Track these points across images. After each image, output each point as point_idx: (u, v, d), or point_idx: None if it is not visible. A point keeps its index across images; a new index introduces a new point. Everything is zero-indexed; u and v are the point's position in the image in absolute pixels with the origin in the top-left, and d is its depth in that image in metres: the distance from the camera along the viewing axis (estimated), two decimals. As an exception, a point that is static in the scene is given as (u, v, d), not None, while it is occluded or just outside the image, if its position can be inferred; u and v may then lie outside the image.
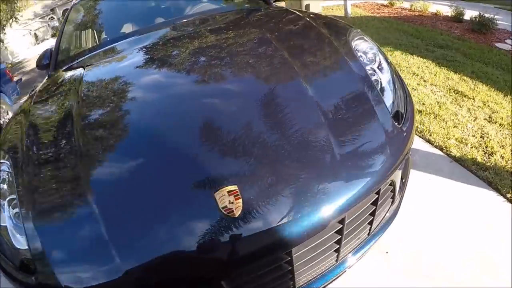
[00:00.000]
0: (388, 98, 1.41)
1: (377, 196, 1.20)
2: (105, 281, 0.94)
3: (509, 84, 3.29)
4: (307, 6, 7.61)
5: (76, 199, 1.10)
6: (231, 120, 1.25)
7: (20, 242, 1.08)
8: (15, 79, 6.74)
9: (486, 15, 5.40)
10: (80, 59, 2.18)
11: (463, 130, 2.45)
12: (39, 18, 21.85)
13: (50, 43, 13.71)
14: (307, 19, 1.95)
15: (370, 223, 1.28)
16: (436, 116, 2.68)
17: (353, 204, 1.07)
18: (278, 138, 1.16)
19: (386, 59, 1.63)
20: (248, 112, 1.28)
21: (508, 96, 2.99)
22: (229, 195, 0.96)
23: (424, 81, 3.46)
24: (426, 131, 2.48)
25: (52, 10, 25.30)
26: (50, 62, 2.37)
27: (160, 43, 1.97)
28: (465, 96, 2.98)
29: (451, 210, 1.77)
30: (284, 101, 1.33)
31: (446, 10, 6.73)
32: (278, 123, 1.23)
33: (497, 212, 1.73)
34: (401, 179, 1.46)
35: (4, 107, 5.20)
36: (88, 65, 1.97)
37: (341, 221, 1.09)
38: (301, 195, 1.02)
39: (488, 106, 2.78)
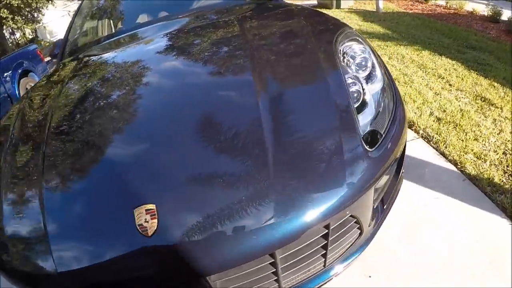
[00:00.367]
0: (367, 115, 1.21)
1: (326, 230, 1.02)
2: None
3: (546, 93, 2.94)
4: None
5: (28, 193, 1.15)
6: (168, 134, 1.20)
7: None
8: (47, 59, 6.90)
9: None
10: (82, 51, 2.25)
11: (484, 144, 2.18)
12: (78, 0, 22.64)
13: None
14: (300, 17, 1.79)
15: (324, 255, 1.11)
16: (457, 126, 2.42)
17: (286, 242, 0.93)
18: (208, 162, 1.07)
19: (381, 65, 1.43)
20: (187, 126, 1.21)
21: (542, 107, 2.66)
22: (146, 214, 0.91)
23: (450, 85, 3.16)
24: (441, 143, 2.23)
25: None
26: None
27: (144, 41, 1.99)
28: (492, 105, 2.68)
29: (451, 236, 1.56)
30: (228, 118, 1.21)
31: (483, 9, 6.21)
32: (214, 144, 1.12)
33: (505, 244, 1.49)
34: (382, 202, 1.30)
35: (34, 87, 5.32)
36: (85, 58, 2.03)
37: (272, 256, 0.97)
38: (222, 225, 0.92)
39: (517, 118, 2.48)
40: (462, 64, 3.62)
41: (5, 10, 12.10)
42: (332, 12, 7.42)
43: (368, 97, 1.27)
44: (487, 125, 2.40)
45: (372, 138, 1.14)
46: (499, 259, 1.42)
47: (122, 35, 2.21)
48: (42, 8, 14.79)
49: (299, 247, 1.00)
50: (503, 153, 2.08)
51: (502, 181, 1.83)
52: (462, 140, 2.23)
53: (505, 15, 5.38)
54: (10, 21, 12.53)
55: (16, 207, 1.14)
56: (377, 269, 1.44)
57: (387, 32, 5.24)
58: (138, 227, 0.90)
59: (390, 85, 1.38)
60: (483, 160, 2.02)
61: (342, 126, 1.12)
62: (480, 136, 2.26)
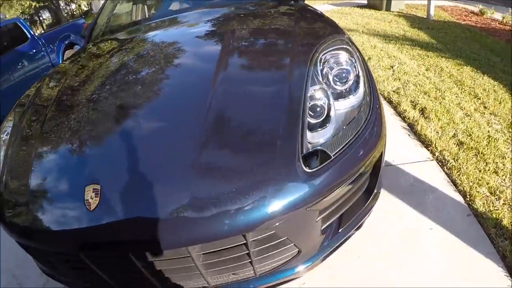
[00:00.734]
0: (324, 132, 1.10)
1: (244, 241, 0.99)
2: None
3: None
4: (389, 1, 6.87)
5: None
6: (130, 121, 1.28)
7: None
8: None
9: None
10: (109, 34, 2.35)
11: (504, 180, 1.93)
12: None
13: None
14: (296, 17, 1.74)
15: (251, 263, 1.08)
16: (478, 153, 2.16)
17: (201, 241, 0.96)
18: (150, 150, 1.13)
19: (367, 80, 1.29)
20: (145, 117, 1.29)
21: None
22: (93, 192, 1.01)
23: (485, 107, 2.85)
24: (456, 169, 2.00)
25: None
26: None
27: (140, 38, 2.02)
28: (526, 137, 2.38)
29: (433, 276, 1.38)
30: (173, 109, 1.27)
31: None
32: (160, 139, 1.16)
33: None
34: (339, 222, 1.20)
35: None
36: (102, 42, 2.17)
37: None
38: (147, 210, 0.98)
39: (551, 155, 2.18)
40: (504, 87, 3.27)
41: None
42: (380, 14, 7.01)
43: (332, 113, 1.14)
44: (513, 158, 2.13)
45: (318, 157, 1.04)
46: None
47: (136, 26, 2.32)
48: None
49: (219, 249, 1.01)
50: (523, 193, 1.83)
51: (511, 225, 1.60)
52: (480, 171, 1.99)
53: None
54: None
55: (15, 164, 1.29)
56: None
57: (432, 42, 4.85)
58: (85, 202, 1.00)
59: (370, 102, 1.23)
60: (496, 197, 1.78)
61: (282, 140, 1.05)
62: (502, 170, 2.01)
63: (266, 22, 1.83)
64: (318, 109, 1.14)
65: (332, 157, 1.04)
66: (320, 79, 1.23)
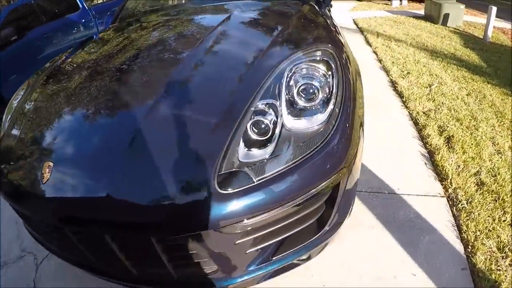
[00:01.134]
0: (258, 154, 0.96)
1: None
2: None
3: None
4: (446, 15, 6.32)
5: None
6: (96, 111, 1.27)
7: None
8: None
9: None
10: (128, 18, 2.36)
11: (519, 235, 1.65)
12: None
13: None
14: (286, 20, 1.59)
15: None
16: (498, 199, 1.87)
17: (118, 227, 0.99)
18: (97, 136, 1.15)
19: (345, 100, 1.10)
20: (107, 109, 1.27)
21: None
22: (47, 168, 1.06)
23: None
24: (465, 213, 1.74)
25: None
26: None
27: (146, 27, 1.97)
28: (561, 190, 2.04)
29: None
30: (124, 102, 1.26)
31: None
32: (106, 132, 1.17)
33: None
34: (275, 250, 1.07)
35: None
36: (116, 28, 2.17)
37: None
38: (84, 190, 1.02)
39: None
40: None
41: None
42: (435, 28, 6.48)
43: (277, 132, 1.00)
44: (539, 212, 1.82)
45: (238, 178, 0.92)
46: None
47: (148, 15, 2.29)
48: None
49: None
50: (538, 256, 1.54)
51: (511, 292, 1.34)
52: (494, 220, 1.71)
53: None
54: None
55: (8, 130, 1.39)
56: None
57: (482, 65, 4.37)
58: (41, 175, 1.06)
59: (334, 126, 1.03)
60: (504, 255, 1.52)
61: (202, 154, 0.97)
62: (520, 223, 1.72)
63: (255, 22, 1.74)
64: (263, 125, 1.00)
65: (255, 182, 0.91)
66: (282, 92, 1.06)
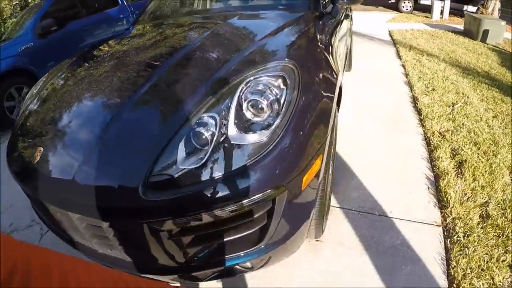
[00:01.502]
0: (190, 162, 0.98)
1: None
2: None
3: None
4: (486, 32, 5.89)
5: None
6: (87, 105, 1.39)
7: None
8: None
9: None
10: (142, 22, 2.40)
11: (517, 279, 1.45)
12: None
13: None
14: (269, 36, 1.55)
15: None
16: (502, 236, 1.66)
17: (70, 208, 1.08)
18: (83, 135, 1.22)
19: (294, 118, 1.06)
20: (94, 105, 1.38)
21: None
22: (38, 152, 1.20)
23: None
24: (458, 247, 1.56)
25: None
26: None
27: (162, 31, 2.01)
28: None
29: None
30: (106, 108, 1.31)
31: None
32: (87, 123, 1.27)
33: None
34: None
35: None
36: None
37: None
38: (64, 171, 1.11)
39: None
40: None
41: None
42: (473, 44, 6.05)
43: (215, 142, 1.00)
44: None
45: (166, 181, 0.97)
46: None
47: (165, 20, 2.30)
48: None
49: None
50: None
51: None
52: (491, 259, 1.52)
53: None
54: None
55: (24, 114, 1.56)
56: None
57: (517, 87, 4.00)
58: (34, 156, 1.20)
59: (271, 144, 1.00)
60: (493, 299, 1.34)
61: (142, 153, 1.03)
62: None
63: (235, 33, 1.79)
64: (203, 136, 1.00)
65: (181, 187, 0.96)
66: (232, 105, 1.05)
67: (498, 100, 3.45)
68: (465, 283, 1.38)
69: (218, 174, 0.96)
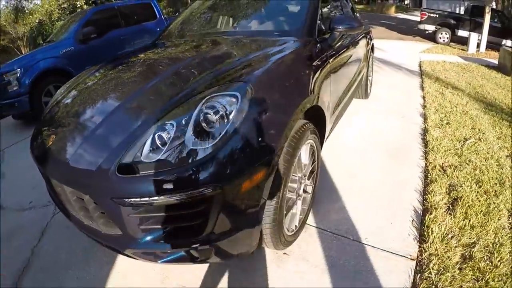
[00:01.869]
0: (151, 157, 1.18)
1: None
2: None
3: None
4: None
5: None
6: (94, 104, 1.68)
7: None
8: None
9: None
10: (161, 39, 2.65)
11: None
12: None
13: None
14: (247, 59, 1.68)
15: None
16: (481, 280, 1.56)
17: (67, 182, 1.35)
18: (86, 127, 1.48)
19: (233, 132, 1.20)
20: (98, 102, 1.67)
21: None
22: (51, 139, 1.49)
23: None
24: (428, 284, 1.48)
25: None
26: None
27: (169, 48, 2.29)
28: None
29: None
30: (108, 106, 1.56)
31: None
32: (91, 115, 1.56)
33: None
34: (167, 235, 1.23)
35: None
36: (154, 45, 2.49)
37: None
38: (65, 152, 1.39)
39: None
40: None
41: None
42: (504, 80, 5.77)
43: (174, 144, 1.19)
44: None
45: (131, 168, 1.18)
46: None
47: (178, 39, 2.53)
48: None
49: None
50: None
51: None
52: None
53: None
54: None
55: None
56: None
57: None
58: (48, 142, 1.48)
59: (214, 152, 1.16)
60: None
61: (117, 145, 1.25)
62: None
63: (221, 55, 1.94)
64: (163, 138, 1.20)
65: (139, 174, 1.16)
66: (193, 115, 1.22)
67: (518, 140, 3.24)
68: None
69: (167, 169, 1.14)
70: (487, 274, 1.59)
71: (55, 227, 2.12)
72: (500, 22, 9.89)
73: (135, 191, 1.14)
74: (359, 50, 3.24)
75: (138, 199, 1.14)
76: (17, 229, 2.17)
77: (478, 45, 8.91)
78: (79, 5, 10.57)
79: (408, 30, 13.22)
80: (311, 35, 1.99)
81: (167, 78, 1.65)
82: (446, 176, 2.44)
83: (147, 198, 1.13)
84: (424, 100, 4.41)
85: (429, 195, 2.17)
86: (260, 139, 1.25)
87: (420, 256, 1.68)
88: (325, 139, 2.07)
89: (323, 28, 2.17)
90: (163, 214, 1.17)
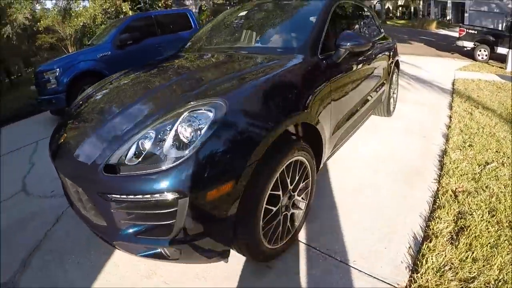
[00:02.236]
0: (132, 161, 1.30)
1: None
2: None
3: None
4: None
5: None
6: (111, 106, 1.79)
7: None
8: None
9: None
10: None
11: None
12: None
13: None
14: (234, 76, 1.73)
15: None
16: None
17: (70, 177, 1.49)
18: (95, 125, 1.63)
19: (202, 145, 1.25)
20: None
21: None
22: (63, 137, 1.66)
23: None
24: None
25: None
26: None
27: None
28: None
29: None
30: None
31: None
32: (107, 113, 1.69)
33: None
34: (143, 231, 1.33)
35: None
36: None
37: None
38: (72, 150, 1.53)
39: None
40: None
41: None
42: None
43: (150, 152, 1.30)
44: None
45: (114, 169, 1.30)
46: None
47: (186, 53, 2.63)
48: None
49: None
50: None
51: None
52: None
53: None
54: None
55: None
56: None
57: None
58: (61, 139, 1.65)
59: (182, 162, 1.23)
60: None
61: (107, 146, 1.38)
62: None
63: (216, 69, 2.02)
64: (144, 145, 1.31)
65: (120, 174, 1.28)
66: (173, 128, 1.30)
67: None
68: None
69: (143, 172, 1.24)
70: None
71: (69, 216, 2.32)
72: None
73: (116, 188, 1.26)
74: (377, 67, 3.11)
75: (118, 196, 1.25)
76: (37, 213, 2.42)
77: (518, 64, 8.27)
78: (124, 11, 11.13)
79: (447, 46, 12.59)
80: (313, 52, 1.94)
81: (162, 90, 1.76)
82: (456, 202, 2.26)
83: (125, 196, 1.24)
84: (450, 119, 4.15)
85: (432, 222, 2.02)
86: (230, 152, 1.29)
87: (408, 287, 1.56)
88: (323, 158, 2.00)
89: (330, 44, 2.11)
90: (139, 212, 1.27)
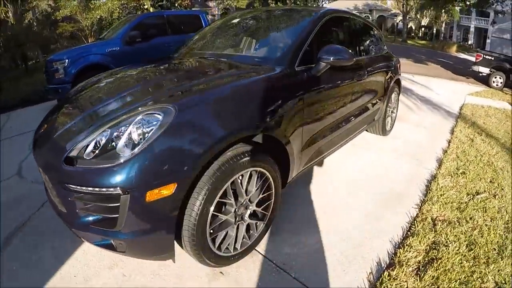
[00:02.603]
0: (89, 155, 1.36)
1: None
2: None
3: None
4: None
5: None
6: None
7: None
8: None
9: None
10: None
11: None
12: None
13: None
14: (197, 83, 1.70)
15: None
16: None
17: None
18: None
19: (147, 147, 1.29)
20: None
21: None
22: (44, 127, 1.72)
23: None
24: None
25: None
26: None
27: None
28: None
29: None
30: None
31: None
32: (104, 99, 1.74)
33: None
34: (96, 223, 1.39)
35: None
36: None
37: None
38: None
39: None
40: None
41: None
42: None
43: (107, 148, 1.34)
44: None
45: (72, 161, 1.37)
46: None
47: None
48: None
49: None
50: None
51: None
52: None
53: None
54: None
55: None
56: None
57: None
58: (42, 129, 1.72)
59: (129, 161, 1.28)
60: None
61: (69, 141, 1.44)
62: None
63: (191, 74, 2.06)
64: (101, 142, 1.36)
65: (76, 167, 1.34)
66: (128, 129, 1.33)
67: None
68: None
69: (94, 167, 1.30)
70: None
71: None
72: None
73: (72, 179, 1.33)
74: (371, 83, 2.98)
75: (74, 187, 1.32)
76: (26, 197, 2.49)
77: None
78: (145, 7, 11.27)
79: (464, 70, 12.22)
80: (291, 64, 1.86)
81: (131, 92, 1.77)
82: (433, 232, 2.11)
83: (79, 187, 1.31)
84: (449, 144, 3.97)
85: (401, 249, 1.89)
86: (173, 156, 1.31)
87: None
88: (292, 172, 1.91)
89: (314, 58, 2.01)
90: (91, 203, 1.33)
